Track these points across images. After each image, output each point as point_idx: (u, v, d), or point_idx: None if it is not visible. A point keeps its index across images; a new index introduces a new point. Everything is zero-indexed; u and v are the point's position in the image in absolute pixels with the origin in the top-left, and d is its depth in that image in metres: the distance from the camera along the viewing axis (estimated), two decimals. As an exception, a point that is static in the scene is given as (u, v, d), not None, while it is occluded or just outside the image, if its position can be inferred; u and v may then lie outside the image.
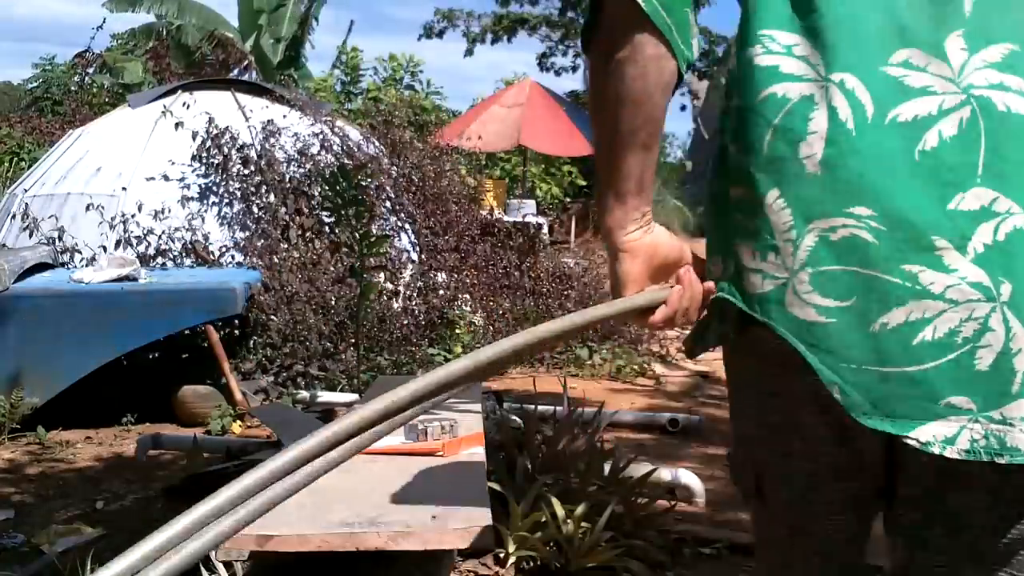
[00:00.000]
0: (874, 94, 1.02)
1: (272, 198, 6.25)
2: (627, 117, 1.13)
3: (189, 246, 6.01)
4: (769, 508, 1.24)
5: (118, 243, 5.94)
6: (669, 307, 1.16)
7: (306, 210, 6.30)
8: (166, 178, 6.18)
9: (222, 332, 5.46)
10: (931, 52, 1.02)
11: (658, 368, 6.63)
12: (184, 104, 6.58)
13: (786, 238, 1.05)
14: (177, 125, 6.36)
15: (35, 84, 14.41)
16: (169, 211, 6.06)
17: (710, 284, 1.16)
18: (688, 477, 3.75)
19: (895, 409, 1.02)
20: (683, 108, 20.30)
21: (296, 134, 6.62)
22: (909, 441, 1.02)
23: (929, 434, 1.01)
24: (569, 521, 2.90)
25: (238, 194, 6.23)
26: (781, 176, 1.06)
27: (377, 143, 7.42)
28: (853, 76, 1.03)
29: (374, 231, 5.92)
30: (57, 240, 5.98)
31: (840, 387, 1.03)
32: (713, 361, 7.21)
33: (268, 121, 6.57)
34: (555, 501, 2.94)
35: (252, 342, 5.65)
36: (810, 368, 1.04)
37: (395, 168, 7.23)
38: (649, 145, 1.14)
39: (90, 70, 14.28)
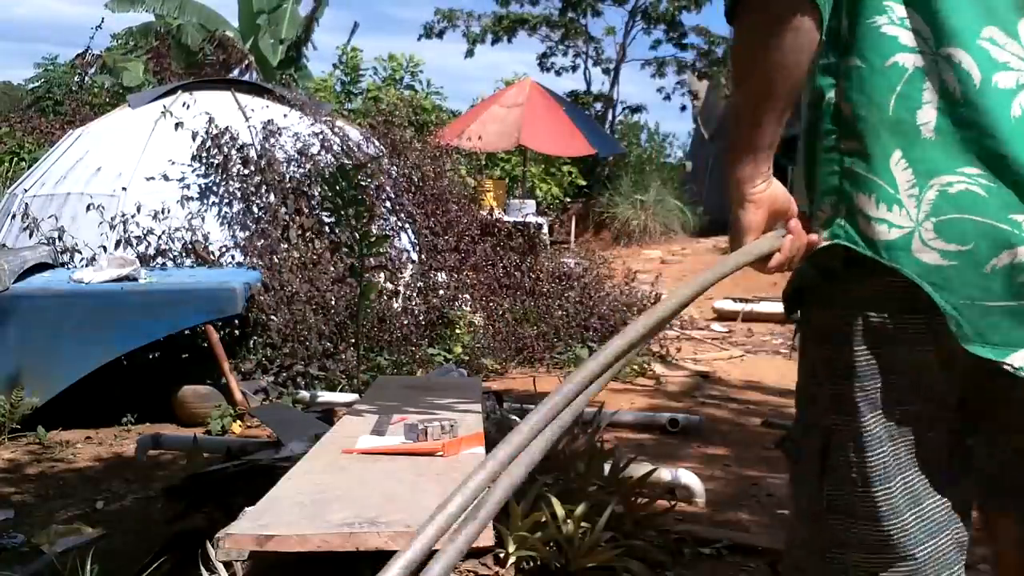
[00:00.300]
0: (979, 66, 1.17)
1: (272, 198, 6.25)
2: (780, 82, 1.25)
3: (189, 246, 6.01)
4: (849, 462, 1.28)
5: (118, 243, 5.94)
6: (783, 254, 1.31)
7: (306, 210, 6.31)
8: (166, 178, 6.18)
9: (222, 332, 5.46)
10: (1008, 32, 1.18)
11: (658, 368, 6.63)
12: (184, 104, 6.58)
13: (910, 193, 1.20)
14: (177, 125, 6.36)
15: (37, 84, 14.41)
16: (169, 211, 6.06)
17: (814, 236, 1.29)
18: (688, 477, 3.75)
19: (995, 337, 1.18)
20: (683, 108, 20.29)
21: (296, 134, 6.63)
22: (1005, 366, 1.18)
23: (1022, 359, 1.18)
24: (569, 521, 2.89)
25: (238, 194, 6.23)
26: (903, 138, 1.21)
27: (377, 143, 7.42)
28: (959, 50, 1.18)
29: (374, 231, 5.93)
30: (57, 240, 5.99)
31: (957, 320, 1.19)
32: (713, 361, 7.22)
33: (268, 121, 6.57)
34: (555, 501, 2.94)
35: (252, 342, 5.65)
36: (929, 308, 1.20)
37: (395, 168, 7.23)
38: (789, 107, 1.28)
39: (91, 70, 14.28)
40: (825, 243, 1.27)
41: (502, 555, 2.90)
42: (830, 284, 1.29)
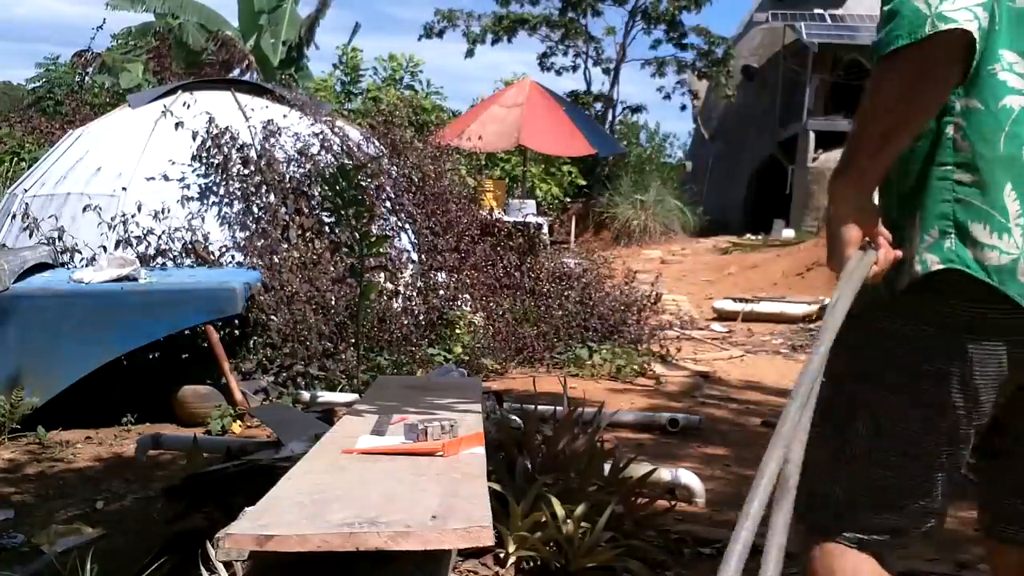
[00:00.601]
0: None
1: (272, 198, 6.25)
2: (918, 123, 1.40)
3: (189, 246, 6.01)
4: (884, 437, 1.51)
5: (118, 243, 5.94)
6: (880, 266, 1.44)
7: (306, 210, 6.30)
8: (166, 178, 6.18)
9: (222, 332, 5.46)
10: None
11: (658, 368, 6.63)
12: (184, 104, 6.58)
13: (1018, 223, 1.38)
14: (177, 125, 6.36)
15: (38, 84, 14.41)
16: (169, 211, 6.06)
17: (898, 252, 1.45)
18: (688, 477, 3.75)
19: None
20: (683, 108, 20.32)
21: (296, 134, 6.62)
22: None
23: None
24: (569, 521, 2.90)
25: (238, 194, 6.23)
26: (1013, 173, 1.38)
27: (377, 143, 7.42)
28: None
29: (374, 231, 5.93)
30: (57, 240, 5.98)
31: None
32: (713, 361, 7.22)
33: (268, 121, 6.57)
34: (555, 501, 2.94)
35: (252, 342, 5.65)
36: (1014, 331, 1.40)
37: (395, 168, 7.23)
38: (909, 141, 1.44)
39: (89, 70, 14.28)
40: (938, 267, 1.41)
41: (502, 555, 2.90)
42: (919, 298, 1.45)
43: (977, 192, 1.39)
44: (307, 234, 6.23)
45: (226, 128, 6.36)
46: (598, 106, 19.44)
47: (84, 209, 6.03)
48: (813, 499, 1.50)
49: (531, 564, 2.92)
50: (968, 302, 1.41)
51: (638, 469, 3.50)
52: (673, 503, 3.44)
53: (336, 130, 6.93)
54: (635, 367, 6.51)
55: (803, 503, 1.32)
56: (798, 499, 1.27)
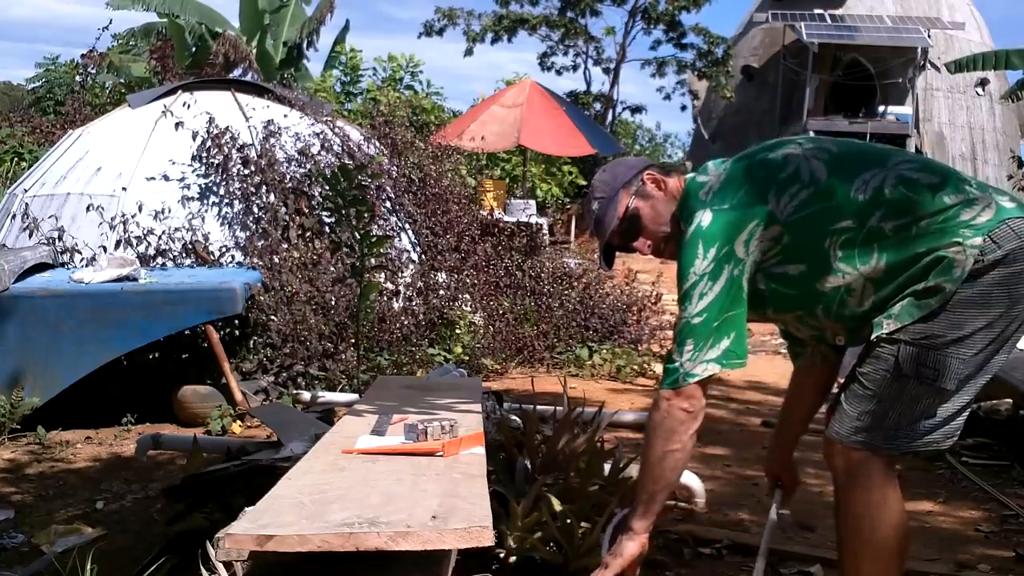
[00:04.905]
0: None
1: (272, 198, 6.25)
2: (677, 472, 2.38)
3: (189, 246, 6.01)
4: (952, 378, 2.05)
5: (118, 243, 5.94)
6: None
7: (306, 210, 6.30)
8: (166, 178, 6.18)
9: (222, 332, 5.46)
10: None
11: (658, 368, 6.62)
12: (184, 104, 6.58)
13: None
14: (177, 125, 6.36)
15: (38, 84, 14.42)
16: (169, 211, 6.05)
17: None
18: (688, 477, 3.74)
19: None
20: (683, 108, 20.31)
21: (296, 134, 6.62)
22: None
23: None
24: (569, 521, 2.89)
25: (238, 194, 6.22)
26: None
27: (378, 143, 7.42)
28: None
29: (374, 231, 5.92)
30: (57, 240, 5.98)
31: None
32: (713, 361, 7.21)
33: (268, 121, 6.57)
34: (555, 501, 2.94)
35: (252, 342, 5.65)
36: None
37: (395, 168, 7.23)
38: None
39: (92, 70, 14.28)
40: None
41: (502, 555, 2.90)
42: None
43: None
44: (307, 234, 6.23)
45: (226, 128, 6.36)
46: (598, 106, 19.44)
47: (87, 209, 6.02)
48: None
49: (531, 564, 2.92)
50: None
51: (638, 469, 3.49)
52: (673, 503, 3.44)
53: (336, 130, 6.93)
54: (635, 367, 6.51)
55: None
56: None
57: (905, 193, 2.07)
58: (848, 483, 2.13)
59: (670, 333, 7.70)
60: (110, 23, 21.86)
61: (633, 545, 2.18)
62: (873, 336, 2.08)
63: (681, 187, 2.28)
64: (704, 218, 2.12)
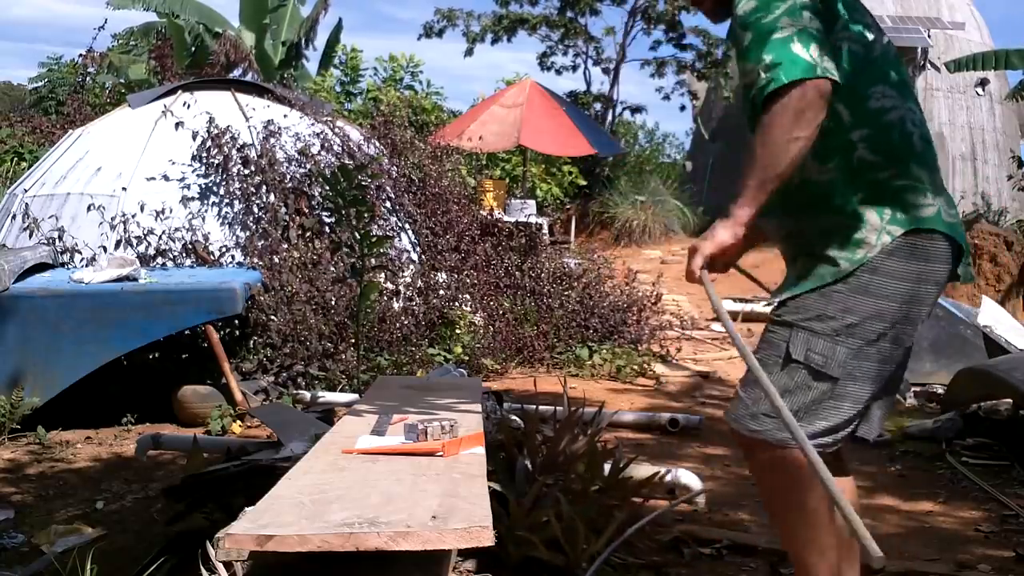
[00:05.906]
0: None
1: (272, 198, 6.25)
2: (794, 166, 1.91)
3: (189, 246, 6.01)
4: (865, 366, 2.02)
5: (118, 243, 5.94)
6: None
7: (306, 210, 6.30)
8: (166, 178, 6.18)
9: (222, 332, 5.46)
10: None
11: (658, 368, 6.63)
12: (184, 104, 6.58)
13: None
14: (177, 125, 6.36)
15: (40, 84, 14.41)
16: (169, 211, 6.05)
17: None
18: (688, 477, 3.75)
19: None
20: (683, 108, 20.26)
21: (297, 134, 6.62)
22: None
23: None
24: (574, 521, 2.89)
25: (238, 194, 6.22)
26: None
27: (378, 143, 7.42)
28: None
29: (374, 231, 5.92)
30: (57, 240, 5.98)
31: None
32: (713, 361, 7.22)
33: (268, 121, 6.57)
34: (563, 500, 2.94)
35: (252, 342, 5.65)
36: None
37: (395, 168, 7.23)
38: None
39: (91, 69, 14.27)
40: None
41: (502, 555, 2.90)
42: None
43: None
44: (307, 234, 6.23)
45: (226, 128, 6.36)
46: (598, 106, 19.42)
47: (87, 209, 6.02)
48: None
49: (531, 564, 2.91)
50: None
51: (638, 469, 3.50)
52: (673, 503, 3.44)
53: (336, 130, 6.93)
54: (635, 367, 6.50)
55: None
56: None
57: (891, 136, 2.02)
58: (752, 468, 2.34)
59: (670, 333, 7.72)
60: (105, 22, 21.78)
61: (727, 233, 1.96)
62: (774, 310, 2.09)
63: None
64: None
